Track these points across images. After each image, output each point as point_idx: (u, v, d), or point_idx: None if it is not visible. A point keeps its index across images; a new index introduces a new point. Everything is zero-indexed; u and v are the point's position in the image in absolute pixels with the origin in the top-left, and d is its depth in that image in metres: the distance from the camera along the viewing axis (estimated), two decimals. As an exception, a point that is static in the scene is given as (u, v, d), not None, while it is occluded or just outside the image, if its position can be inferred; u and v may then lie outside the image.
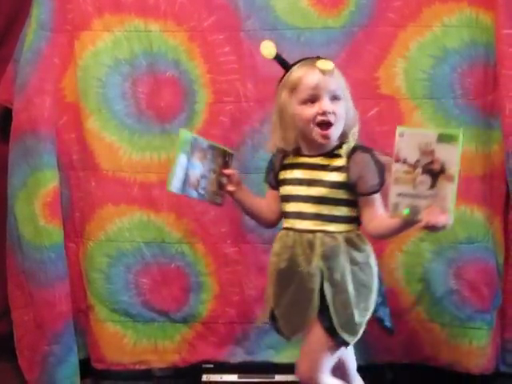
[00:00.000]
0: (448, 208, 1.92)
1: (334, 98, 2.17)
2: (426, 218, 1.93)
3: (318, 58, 2.23)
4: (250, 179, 2.52)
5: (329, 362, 2.31)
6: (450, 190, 1.92)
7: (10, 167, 2.85)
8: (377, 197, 2.20)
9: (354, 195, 2.21)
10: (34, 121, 2.81)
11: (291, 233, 2.26)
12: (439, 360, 2.92)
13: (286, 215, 2.31)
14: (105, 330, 2.98)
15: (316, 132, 2.16)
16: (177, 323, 2.99)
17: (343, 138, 2.24)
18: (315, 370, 2.29)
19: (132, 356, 3.01)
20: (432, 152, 1.92)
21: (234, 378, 2.92)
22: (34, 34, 2.80)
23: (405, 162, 1.94)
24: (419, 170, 1.93)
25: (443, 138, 1.91)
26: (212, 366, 2.95)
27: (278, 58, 2.28)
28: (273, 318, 2.34)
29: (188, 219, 2.92)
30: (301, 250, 2.22)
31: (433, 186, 1.93)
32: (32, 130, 2.81)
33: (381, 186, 2.16)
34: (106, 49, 2.87)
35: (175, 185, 2.22)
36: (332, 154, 2.22)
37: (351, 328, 2.23)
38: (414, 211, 1.95)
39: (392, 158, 1.98)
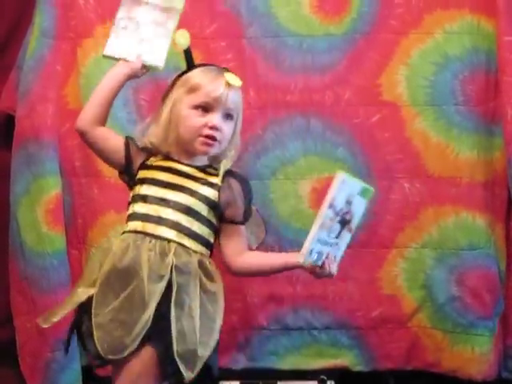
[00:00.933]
0: (338, 258, 2.00)
1: (227, 116, 2.13)
2: (325, 266, 1.98)
3: (227, 69, 2.21)
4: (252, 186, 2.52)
5: None
6: (346, 241, 2.00)
7: (13, 174, 2.85)
8: (243, 229, 2.17)
9: (216, 220, 2.15)
10: (36, 128, 2.81)
11: (139, 236, 2.08)
12: (441, 367, 2.92)
13: (133, 217, 2.16)
14: (107, 336, 2.98)
15: (199, 141, 2.10)
16: (179, 330, 2.99)
17: (216, 158, 2.20)
18: None
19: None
20: (351, 203, 1.96)
21: (236, 384, 2.94)
22: (36, 42, 2.80)
23: (334, 208, 1.95)
24: (338, 218, 1.95)
25: (362, 192, 1.97)
26: (214, 372, 2.95)
27: (188, 53, 2.23)
28: (80, 325, 2.14)
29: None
30: (148, 255, 2.03)
31: (338, 235, 1.97)
32: (35, 137, 2.81)
33: (247, 219, 2.16)
34: (109, 56, 2.87)
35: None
36: (205, 170, 2.17)
37: (192, 359, 2.00)
38: (319, 257, 1.98)
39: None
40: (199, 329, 2.03)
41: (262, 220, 2.32)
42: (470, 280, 2.86)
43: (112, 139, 2.23)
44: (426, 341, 2.93)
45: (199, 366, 2.00)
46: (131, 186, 2.24)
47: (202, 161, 2.20)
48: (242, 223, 2.15)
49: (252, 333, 2.94)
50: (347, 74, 2.83)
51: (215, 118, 2.09)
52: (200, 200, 2.11)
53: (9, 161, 2.86)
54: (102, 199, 2.91)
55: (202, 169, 2.17)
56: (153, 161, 2.20)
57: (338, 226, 1.95)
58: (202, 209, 2.11)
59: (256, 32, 2.84)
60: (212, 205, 2.13)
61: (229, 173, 2.17)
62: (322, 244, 1.96)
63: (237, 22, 2.85)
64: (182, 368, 1.97)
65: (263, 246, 2.39)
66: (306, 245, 1.95)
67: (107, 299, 2.03)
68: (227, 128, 2.13)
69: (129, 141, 2.24)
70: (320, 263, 1.98)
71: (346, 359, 2.94)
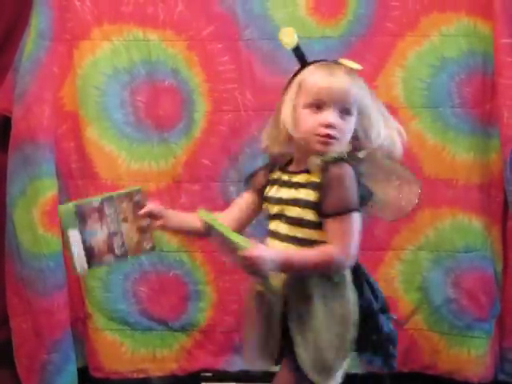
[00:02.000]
0: None
1: (345, 110, 1.92)
2: None
3: (342, 59, 2.01)
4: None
5: None
6: None
7: (9, 176, 2.85)
8: (334, 224, 1.90)
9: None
10: (33, 129, 2.81)
11: None
12: (438, 369, 2.93)
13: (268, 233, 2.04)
14: (103, 338, 2.98)
15: (316, 140, 1.90)
16: (175, 332, 2.99)
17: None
18: None
19: (130, 364, 3.00)
20: None
21: (232, 386, 2.94)
22: (33, 43, 2.80)
23: None
24: None
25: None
26: (211, 374, 2.95)
27: (298, 50, 2.02)
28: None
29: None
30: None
31: None
32: (31, 138, 2.81)
33: (339, 214, 1.90)
34: (105, 58, 2.87)
35: (80, 267, 2.01)
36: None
37: (324, 370, 1.93)
38: None
39: None
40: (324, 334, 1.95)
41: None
42: (467, 282, 2.87)
43: (241, 205, 2.14)
44: (423, 343, 2.94)
45: (333, 373, 1.98)
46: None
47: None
48: (329, 216, 1.88)
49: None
50: (344, 76, 2.83)
51: (329, 115, 1.89)
52: (306, 206, 1.92)
53: (5, 162, 2.85)
54: (99, 201, 2.91)
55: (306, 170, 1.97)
56: (272, 174, 2.07)
57: None
58: (310, 213, 1.91)
59: (252, 34, 2.85)
60: (316, 205, 1.91)
61: (331, 163, 1.89)
62: None
63: (233, 24, 2.85)
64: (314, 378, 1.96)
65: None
66: None
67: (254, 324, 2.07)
68: (346, 124, 1.92)
69: (250, 183, 2.13)
70: None
71: (343, 361, 2.95)
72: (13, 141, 2.83)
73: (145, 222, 2.07)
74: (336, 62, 2.00)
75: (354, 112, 1.94)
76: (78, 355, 2.97)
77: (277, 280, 1.92)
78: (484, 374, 2.89)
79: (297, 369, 1.93)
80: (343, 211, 1.87)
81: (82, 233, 1.99)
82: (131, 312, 2.97)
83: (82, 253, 1.99)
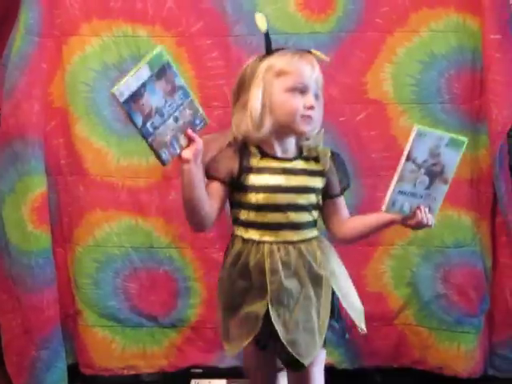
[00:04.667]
0: (435, 209, 2.01)
1: (316, 96, 2.07)
2: (418, 215, 1.99)
3: (310, 50, 2.13)
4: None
5: None
6: (442, 192, 2.00)
7: (-2, 172, 2.85)
8: (342, 199, 2.19)
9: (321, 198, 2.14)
10: (21, 126, 2.80)
11: (282, 246, 2.06)
12: (427, 364, 2.94)
13: (264, 226, 2.07)
14: (93, 335, 2.97)
15: (299, 121, 2.02)
16: (165, 328, 2.99)
17: (309, 140, 2.13)
18: None
19: (120, 361, 3.00)
20: (438, 154, 1.96)
21: (222, 382, 2.94)
22: (21, 39, 2.78)
23: (414, 161, 1.95)
24: (423, 170, 1.96)
25: (451, 143, 1.95)
26: (201, 370, 2.96)
27: (267, 36, 2.13)
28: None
29: (176, 224, 2.90)
30: (303, 262, 2.06)
31: (429, 186, 1.98)
32: (20, 135, 2.80)
33: (346, 190, 2.19)
34: (94, 54, 2.86)
35: (122, 90, 1.80)
36: (306, 157, 2.11)
37: (362, 315, 2.22)
38: (407, 208, 2.00)
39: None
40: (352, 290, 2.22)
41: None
42: (456, 277, 2.88)
43: (219, 197, 2.07)
44: (412, 338, 2.95)
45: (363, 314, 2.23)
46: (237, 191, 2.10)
47: (292, 148, 2.11)
48: (341, 195, 2.16)
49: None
50: (333, 72, 2.82)
51: (311, 98, 2.03)
52: (313, 192, 2.10)
53: (-6, 159, 2.84)
54: (88, 197, 2.91)
55: (305, 158, 2.11)
56: (253, 161, 2.07)
57: (425, 178, 1.96)
58: (316, 198, 2.11)
59: (242, 30, 2.84)
60: (321, 191, 2.12)
61: (330, 153, 2.14)
62: (408, 196, 1.98)
63: (223, 20, 2.84)
64: (362, 325, 2.22)
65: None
66: (387, 197, 1.99)
67: (286, 317, 2.06)
68: (318, 107, 2.07)
69: (215, 174, 2.07)
70: (408, 213, 2.00)
71: (332, 357, 2.94)
72: (1, 137, 2.83)
73: (183, 140, 1.91)
74: (305, 50, 2.13)
75: (320, 98, 2.11)
76: (68, 352, 2.97)
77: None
78: (473, 369, 2.90)
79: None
80: (348, 186, 2.18)
81: (150, 78, 1.85)
82: (121, 308, 2.97)
83: (133, 89, 1.82)
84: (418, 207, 2.00)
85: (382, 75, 2.85)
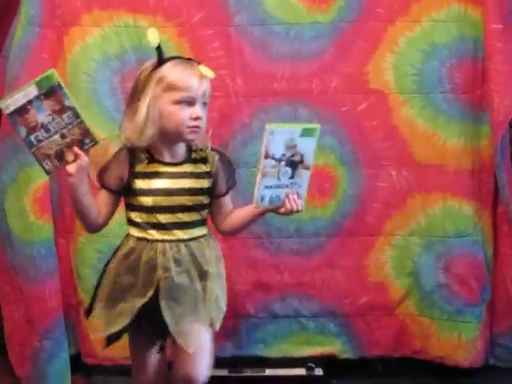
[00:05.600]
0: (303, 194, 2.13)
1: (204, 104, 2.19)
2: (286, 204, 2.10)
3: (198, 62, 2.23)
4: (238, 174, 2.50)
5: None
6: (306, 177, 2.12)
7: (0, 163, 2.84)
8: (227, 196, 2.32)
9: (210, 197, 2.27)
10: (23, 116, 2.80)
11: (174, 245, 2.19)
12: (429, 353, 2.95)
13: (156, 226, 2.20)
14: (95, 325, 2.97)
15: (187, 131, 2.14)
16: (167, 318, 2.99)
17: (198, 142, 2.24)
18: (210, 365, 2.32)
19: (123, 351, 2.99)
20: (295, 146, 2.05)
21: (224, 372, 2.93)
22: (22, 30, 2.78)
23: (272, 157, 2.03)
24: (283, 163, 2.05)
25: (305, 133, 2.05)
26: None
27: (160, 49, 2.19)
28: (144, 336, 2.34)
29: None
30: (192, 259, 2.20)
31: (293, 175, 2.09)
32: (22, 125, 2.80)
33: (231, 189, 2.31)
34: (96, 44, 2.86)
35: (7, 104, 1.98)
36: (194, 159, 2.24)
37: (220, 317, 2.32)
38: (277, 199, 2.10)
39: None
40: (220, 290, 2.30)
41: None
42: (457, 267, 2.88)
43: (108, 204, 2.24)
44: (414, 328, 2.96)
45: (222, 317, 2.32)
46: (116, 193, 2.24)
47: (182, 152, 2.24)
48: (226, 194, 2.30)
49: (239, 321, 2.95)
50: (334, 62, 2.83)
51: (197, 110, 2.14)
52: (203, 194, 2.23)
53: (-4, 150, 2.84)
54: (90, 187, 2.90)
55: (192, 161, 2.24)
56: (140, 167, 2.20)
57: (287, 169, 2.07)
58: (204, 198, 2.24)
59: (243, 20, 2.84)
60: (209, 191, 2.25)
61: (213, 153, 2.27)
62: (275, 188, 2.08)
63: (224, 10, 2.84)
64: (216, 325, 2.30)
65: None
66: (254, 194, 2.07)
67: (176, 310, 2.21)
68: (204, 115, 2.19)
69: (104, 181, 2.23)
70: (279, 204, 2.11)
71: (334, 347, 2.97)
72: (3, 128, 2.82)
73: (69, 156, 2.05)
74: (192, 60, 2.24)
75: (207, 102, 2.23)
76: (71, 342, 2.98)
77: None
78: (475, 359, 2.91)
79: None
80: (234, 185, 2.31)
81: (37, 96, 2.01)
82: (123, 299, 2.97)
83: (19, 103, 1.99)
84: (287, 196, 2.10)
85: (384, 65, 2.85)
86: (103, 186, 2.22)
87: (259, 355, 2.98)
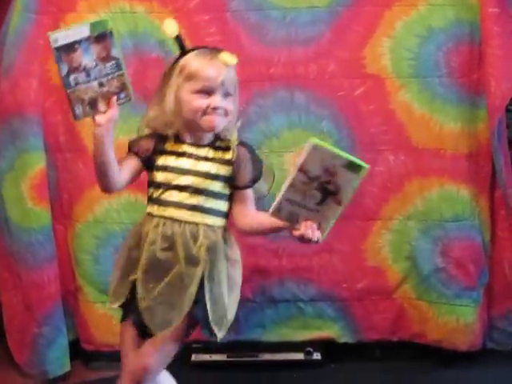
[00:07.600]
0: (326, 228, 1.98)
1: (227, 94, 2.17)
2: (303, 228, 1.97)
3: (221, 50, 2.22)
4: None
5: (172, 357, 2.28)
6: (334, 212, 1.95)
7: (-3, 150, 2.85)
8: (250, 192, 2.25)
9: (231, 189, 2.23)
10: (20, 103, 2.80)
11: (168, 222, 2.18)
12: (426, 337, 2.96)
13: (159, 202, 2.21)
14: (94, 311, 2.98)
15: (203, 119, 2.14)
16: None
17: (225, 132, 2.24)
18: (164, 363, 2.27)
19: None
20: (334, 173, 1.89)
21: (223, 357, 2.95)
22: (18, 17, 2.78)
23: (306, 173, 1.90)
24: (315, 184, 1.91)
25: (351, 166, 1.88)
26: (201, 345, 2.96)
27: (179, 39, 2.22)
28: (129, 309, 2.27)
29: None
30: (182, 240, 2.17)
31: (320, 202, 1.94)
32: (18, 112, 2.80)
33: (255, 182, 2.23)
34: (92, 30, 2.85)
35: (57, 37, 1.95)
36: (218, 146, 2.23)
37: (223, 323, 2.23)
38: (294, 218, 1.98)
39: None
40: (227, 294, 2.24)
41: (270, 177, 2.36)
42: (455, 251, 2.89)
43: (132, 169, 2.24)
44: (411, 312, 2.96)
45: (228, 326, 2.25)
46: (150, 171, 2.26)
47: (209, 137, 2.23)
48: (249, 187, 2.23)
49: (238, 305, 2.95)
50: (331, 46, 2.83)
51: (216, 100, 2.13)
52: (217, 180, 2.20)
53: (-8, 137, 2.84)
54: (87, 174, 2.89)
55: (214, 147, 2.23)
56: (168, 145, 2.24)
57: (317, 193, 1.92)
58: (220, 187, 2.20)
59: (239, 5, 2.84)
60: (227, 180, 2.21)
61: (238, 144, 2.24)
62: (294, 205, 1.95)
63: (220, -5, 2.84)
64: (216, 330, 2.20)
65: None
66: (275, 201, 1.96)
67: (150, 285, 2.18)
68: (228, 104, 2.17)
69: (135, 150, 2.26)
70: (294, 224, 1.98)
71: (332, 331, 2.97)
72: (0, 115, 2.82)
73: (101, 105, 2.06)
74: (216, 50, 2.22)
75: (233, 93, 2.20)
76: (69, 328, 2.99)
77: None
78: (472, 342, 2.91)
79: (202, 321, 2.21)
80: (257, 179, 2.22)
81: (87, 39, 2.00)
82: (122, 285, 2.98)
83: (69, 40, 1.98)
84: (306, 220, 1.98)
85: (380, 49, 2.85)
86: (132, 151, 2.25)
87: (257, 340, 2.98)
